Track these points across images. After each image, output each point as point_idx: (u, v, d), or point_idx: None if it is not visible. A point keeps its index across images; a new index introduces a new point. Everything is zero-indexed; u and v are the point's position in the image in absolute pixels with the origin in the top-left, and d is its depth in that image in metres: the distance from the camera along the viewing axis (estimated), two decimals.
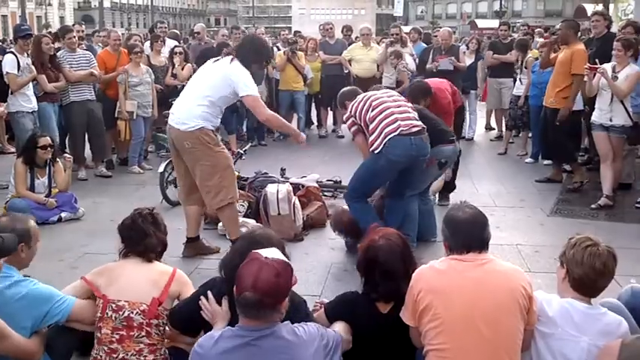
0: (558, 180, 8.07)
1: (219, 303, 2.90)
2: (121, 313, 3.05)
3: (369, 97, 5.39)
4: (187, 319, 3.05)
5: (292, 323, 2.63)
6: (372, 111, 5.27)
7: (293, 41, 11.52)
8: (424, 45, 11.59)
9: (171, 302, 3.18)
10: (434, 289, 2.81)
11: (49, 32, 10.84)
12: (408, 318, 2.91)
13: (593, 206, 6.91)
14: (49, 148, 6.62)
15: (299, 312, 2.83)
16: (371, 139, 5.23)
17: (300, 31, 12.59)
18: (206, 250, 5.61)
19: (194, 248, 5.59)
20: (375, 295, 3.05)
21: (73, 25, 10.52)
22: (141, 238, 3.26)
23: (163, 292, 3.13)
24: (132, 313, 3.05)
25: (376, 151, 5.18)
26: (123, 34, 10.32)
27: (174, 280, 3.22)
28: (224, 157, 5.27)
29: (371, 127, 5.25)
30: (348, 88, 5.96)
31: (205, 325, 2.91)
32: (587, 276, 2.79)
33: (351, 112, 5.44)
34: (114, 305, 3.06)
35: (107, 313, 3.06)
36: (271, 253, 2.58)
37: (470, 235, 2.93)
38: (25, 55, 7.58)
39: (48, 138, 6.75)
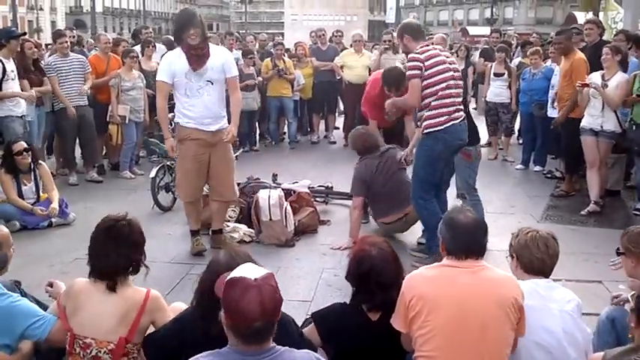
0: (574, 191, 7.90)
1: None
2: (88, 351, 2.91)
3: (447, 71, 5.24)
4: (163, 351, 2.88)
5: (283, 346, 2.40)
6: (444, 89, 5.17)
7: (279, 43, 11.57)
8: None
9: (142, 334, 2.98)
10: (424, 296, 2.80)
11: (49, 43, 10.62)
12: (400, 325, 2.90)
13: (582, 213, 6.96)
14: (25, 153, 6.48)
15: (288, 334, 2.63)
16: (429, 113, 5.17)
17: (282, 44, 12.30)
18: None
19: (217, 241, 5.87)
20: (370, 305, 3.02)
21: (65, 29, 10.45)
22: (99, 259, 2.99)
23: (131, 330, 2.92)
24: (99, 352, 2.90)
25: (432, 130, 5.17)
26: (113, 38, 10.29)
27: (146, 310, 2.97)
28: (180, 156, 5.64)
29: (433, 103, 5.16)
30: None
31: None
32: (535, 256, 3.02)
33: (425, 62, 5.12)
34: (81, 342, 2.91)
35: (75, 349, 2.93)
36: (253, 271, 2.34)
37: (471, 240, 2.92)
38: (11, 59, 7.40)
39: (22, 143, 6.57)
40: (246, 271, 2.33)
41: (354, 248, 3.18)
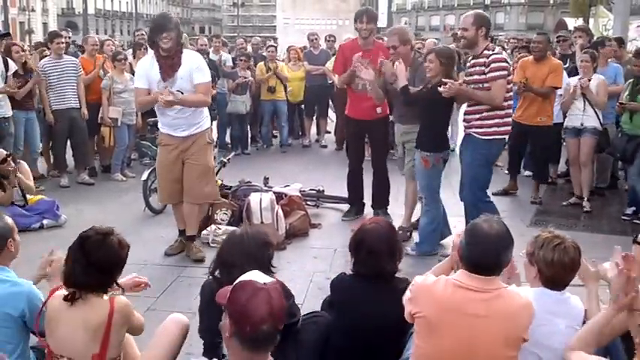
0: (514, 191, 8.14)
1: None
2: None
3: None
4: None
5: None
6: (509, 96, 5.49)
7: (271, 45, 11.60)
8: None
9: (118, 346, 2.90)
10: (427, 316, 2.70)
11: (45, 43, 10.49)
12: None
13: (585, 208, 7.29)
14: (8, 159, 6.35)
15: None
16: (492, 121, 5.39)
17: (274, 46, 12.28)
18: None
19: (188, 248, 5.81)
20: (362, 270, 3.26)
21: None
22: (67, 277, 2.88)
23: (103, 346, 2.81)
24: None
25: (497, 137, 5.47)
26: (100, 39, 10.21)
27: (113, 324, 2.82)
28: (157, 159, 5.78)
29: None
30: None
31: None
32: (558, 274, 2.90)
33: (506, 66, 5.40)
34: None
35: None
36: (260, 277, 2.32)
37: (488, 254, 2.68)
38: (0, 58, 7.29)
39: (1, 150, 6.46)
40: (254, 276, 2.32)
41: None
